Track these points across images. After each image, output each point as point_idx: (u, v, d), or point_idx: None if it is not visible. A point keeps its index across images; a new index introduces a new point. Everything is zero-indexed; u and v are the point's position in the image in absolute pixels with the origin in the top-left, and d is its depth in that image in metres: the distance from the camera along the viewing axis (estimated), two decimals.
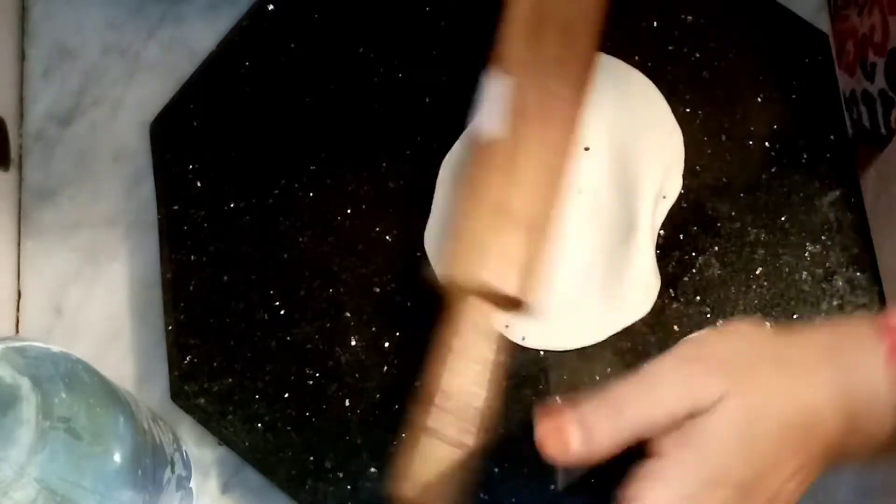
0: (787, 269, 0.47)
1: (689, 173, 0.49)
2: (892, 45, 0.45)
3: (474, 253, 0.43)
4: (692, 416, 0.34)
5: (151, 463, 0.40)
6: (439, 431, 0.40)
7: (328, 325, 0.47)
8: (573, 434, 0.35)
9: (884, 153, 0.46)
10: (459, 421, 0.41)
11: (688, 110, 0.50)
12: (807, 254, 0.47)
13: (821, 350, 0.35)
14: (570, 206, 0.47)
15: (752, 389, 0.34)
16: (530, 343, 0.46)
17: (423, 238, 0.48)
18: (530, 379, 0.46)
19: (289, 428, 0.46)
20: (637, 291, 0.46)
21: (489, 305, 0.43)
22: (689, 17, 0.51)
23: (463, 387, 0.41)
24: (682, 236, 0.48)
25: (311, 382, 0.46)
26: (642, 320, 0.46)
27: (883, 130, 0.46)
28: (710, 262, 0.47)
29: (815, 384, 0.34)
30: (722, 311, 0.47)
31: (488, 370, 0.42)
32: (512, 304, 0.43)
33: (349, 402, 0.46)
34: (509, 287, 0.42)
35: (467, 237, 0.43)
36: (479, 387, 0.41)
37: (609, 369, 0.46)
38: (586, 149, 0.48)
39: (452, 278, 0.43)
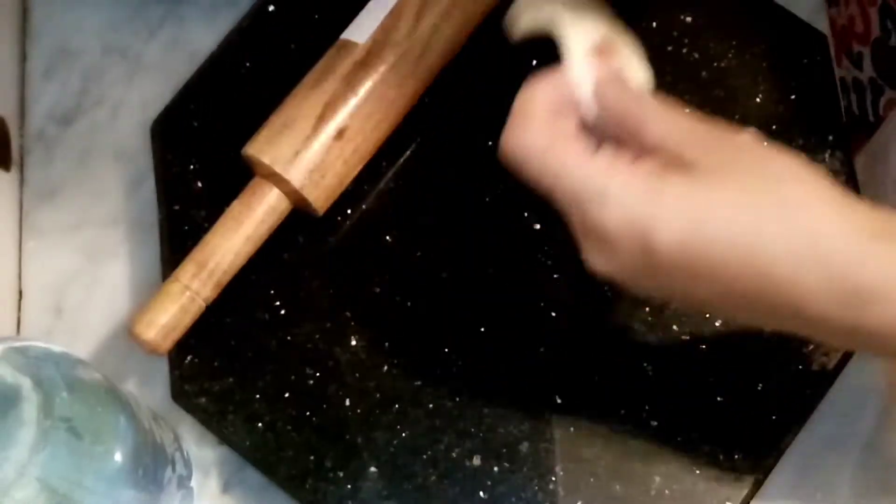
0: None
1: None
2: (875, 34, 0.45)
3: (280, 135, 0.46)
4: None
5: (152, 462, 0.40)
6: (189, 285, 0.44)
7: (328, 325, 0.47)
8: None
9: (872, 139, 0.46)
10: (210, 277, 0.45)
11: (688, 110, 0.49)
12: None
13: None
14: None
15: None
16: None
17: (423, 237, 0.48)
18: (530, 379, 0.46)
19: (289, 427, 0.46)
20: None
21: (280, 191, 0.46)
22: (689, 18, 0.51)
23: (223, 247, 0.45)
24: None
25: (311, 382, 0.46)
26: (642, 320, 0.46)
27: (871, 117, 0.46)
28: None
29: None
30: None
31: (253, 240, 0.46)
32: (299, 200, 0.46)
33: (349, 401, 0.46)
34: (295, 180, 0.45)
35: (286, 121, 0.46)
36: (234, 253, 0.45)
37: (609, 369, 0.46)
38: None
39: (253, 153, 0.46)
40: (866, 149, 0.48)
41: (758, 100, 0.50)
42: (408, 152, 0.50)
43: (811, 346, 0.45)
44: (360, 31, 0.48)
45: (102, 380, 0.39)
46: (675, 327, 0.46)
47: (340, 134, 0.46)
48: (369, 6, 0.49)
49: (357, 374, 0.46)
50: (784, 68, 0.50)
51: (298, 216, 0.48)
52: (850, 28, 0.48)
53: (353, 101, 0.46)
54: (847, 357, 0.45)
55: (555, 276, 0.47)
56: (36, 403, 0.34)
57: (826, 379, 0.45)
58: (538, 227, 0.48)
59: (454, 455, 0.45)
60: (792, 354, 0.45)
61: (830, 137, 0.49)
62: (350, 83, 0.46)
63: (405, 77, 0.47)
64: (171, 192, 0.50)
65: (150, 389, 0.49)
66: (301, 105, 0.46)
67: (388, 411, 0.46)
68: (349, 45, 0.47)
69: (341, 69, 0.47)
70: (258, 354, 0.47)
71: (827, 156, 0.49)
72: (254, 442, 0.46)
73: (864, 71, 0.47)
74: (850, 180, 0.48)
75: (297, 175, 0.45)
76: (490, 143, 0.41)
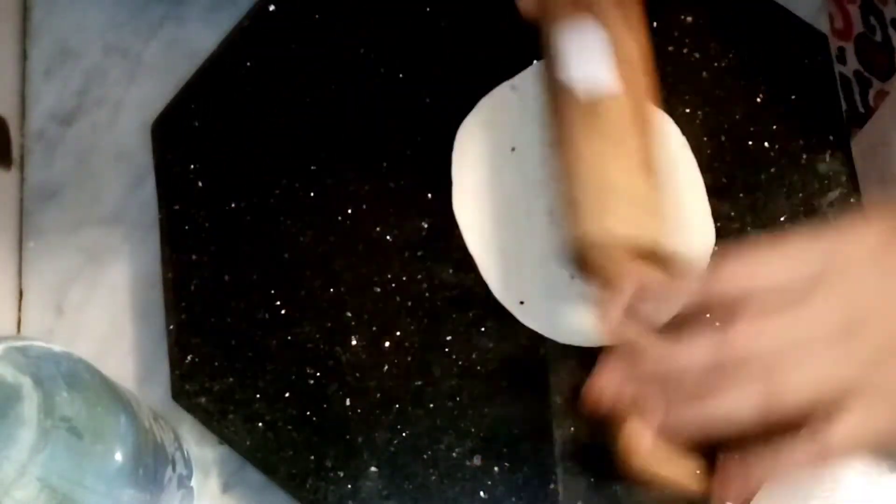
0: None
1: None
2: (858, 30, 0.45)
3: (637, 209, 0.41)
4: None
5: (153, 462, 0.40)
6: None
7: (328, 324, 0.47)
8: None
9: (864, 129, 0.47)
10: None
11: (688, 110, 0.50)
12: None
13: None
14: None
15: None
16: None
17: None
18: (530, 379, 0.46)
19: (289, 427, 0.46)
20: None
21: (643, 262, 0.41)
22: (689, 18, 0.51)
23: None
24: None
25: (311, 382, 0.46)
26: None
27: (861, 109, 0.47)
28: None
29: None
30: None
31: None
32: (661, 261, 0.41)
33: (349, 401, 0.46)
34: (668, 241, 0.41)
35: (620, 195, 0.41)
36: None
37: None
38: None
39: (610, 236, 0.41)
40: (859, 138, 0.48)
41: (758, 100, 0.50)
42: (408, 152, 0.50)
43: None
44: (594, 76, 0.43)
45: (102, 379, 0.39)
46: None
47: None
48: (571, 48, 0.44)
49: (357, 374, 0.46)
50: (784, 68, 0.50)
51: (299, 216, 0.48)
52: (830, 25, 0.48)
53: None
54: None
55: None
56: (36, 403, 0.34)
57: None
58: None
59: (454, 455, 0.45)
60: None
61: (831, 137, 0.49)
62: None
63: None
64: (171, 192, 0.50)
65: (150, 389, 0.49)
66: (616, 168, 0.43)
67: (388, 411, 0.46)
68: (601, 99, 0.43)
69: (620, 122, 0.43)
70: (258, 354, 0.47)
71: (827, 156, 0.49)
72: (254, 442, 0.46)
73: (847, 65, 0.47)
74: (850, 180, 0.48)
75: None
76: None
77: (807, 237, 0.36)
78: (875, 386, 0.34)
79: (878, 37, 0.45)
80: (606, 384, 0.37)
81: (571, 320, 0.46)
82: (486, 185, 0.49)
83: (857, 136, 0.48)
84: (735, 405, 0.34)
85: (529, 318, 0.47)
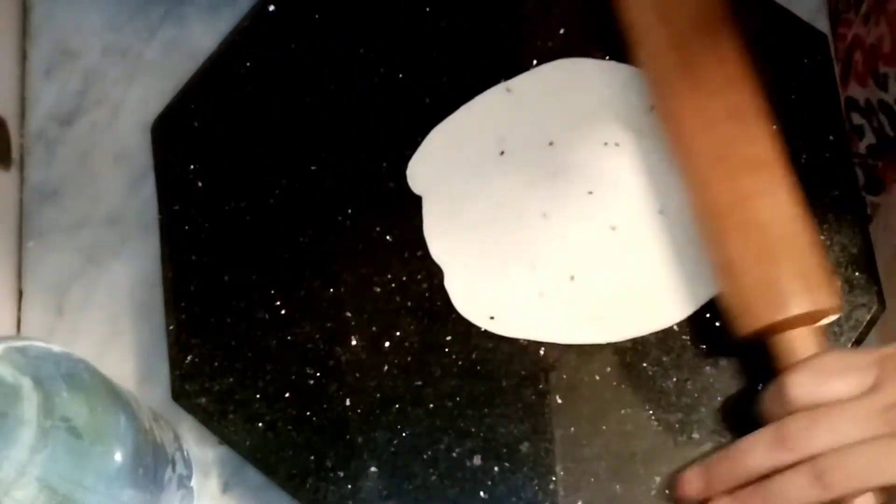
0: None
1: None
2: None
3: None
4: None
5: (152, 462, 0.40)
6: None
7: (328, 325, 0.47)
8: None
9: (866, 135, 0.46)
10: None
11: None
12: None
13: None
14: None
15: None
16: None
17: (424, 238, 0.48)
18: (530, 379, 0.46)
19: (289, 427, 0.46)
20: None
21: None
22: None
23: None
24: None
25: (311, 382, 0.46)
26: None
27: None
28: None
29: None
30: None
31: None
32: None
33: (349, 401, 0.46)
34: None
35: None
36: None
37: (609, 369, 0.46)
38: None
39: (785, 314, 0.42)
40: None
41: None
42: (408, 152, 0.50)
43: None
44: None
45: (102, 380, 0.39)
46: (675, 328, 0.46)
47: None
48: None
49: (357, 374, 0.46)
50: (785, 68, 0.50)
51: (298, 216, 0.49)
52: (878, 48, 0.47)
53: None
54: None
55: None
56: (36, 403, 0.34)
57: None
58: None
59: (454, 455, 0.45)
60: None
61: (830, 137, 0.49)
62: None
63: None
64: (171, 192, 0.50)
65: (150, 389, 0.49)
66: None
67: (388, 411, 0.46)
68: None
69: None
70: (258, 354, 0.47)
71: (827, 156, 0.49)
72: (254, 442, 0.46)
73: (889, 92, 0.46)
74: (850, 179, 0.48)
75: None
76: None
77: (864, 353, 0.41)
78: None
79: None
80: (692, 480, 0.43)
81: (574, 319, 0.46)
82: (465, 192, 0.48)
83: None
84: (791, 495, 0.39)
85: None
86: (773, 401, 0.42)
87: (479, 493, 0.44)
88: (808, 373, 0.41)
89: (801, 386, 0.40)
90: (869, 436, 0.38)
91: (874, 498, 0.39)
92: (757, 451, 0.40)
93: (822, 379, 0.40)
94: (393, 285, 0.48)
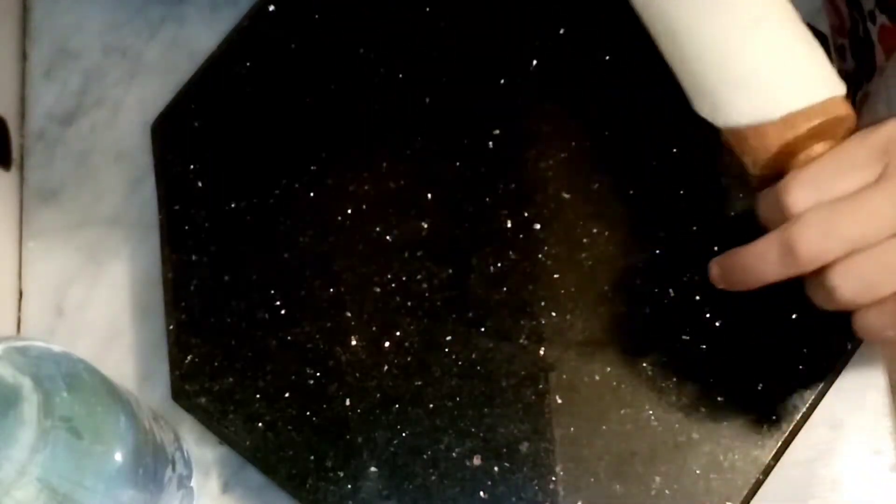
0: None
1: None
2: (848, 26, 0.44)
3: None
4: None
5: (152, 462, 0.40)
6: None
7: (328, 325, 0.47)
8: None
9: None
10: None
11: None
12: None
13: None
14: None
15: None
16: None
17: (422, 237, 0.48)
18: (530, 379, 0.46)
19: (289, 427, 0.46)
20: None
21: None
22: None
23: None
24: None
25: (311, 382, 0.46)
26: (642, 320, 0.46)
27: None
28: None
29: None
30: (723, 308, 0.47)
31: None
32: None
33: (349, 401, 0.46)
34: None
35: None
36: None
37: (609, 369, 0.46)
38: None
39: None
40: None
41: None
42: (408, 152, 0.50)
43: (811, 347, 0.45)
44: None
45: (102, 380, 0.39)
46: (675, 327, 0.46)
47: None
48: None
49: (357, 374, 0.46)
50: None
51: (298, 216, 0.49)
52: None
53: None
54: (847, 358, 0.45)
55: (555, 276, 0.47)
56: (36, 403, 0.34)
57: (826, 379, 0.45)
58: (538, 226, 0.48)
59: (454, 455, 0.45)
60: (792, 355, 0.45)
61: None
62: None
63: None
64: (171, 192, 0.50)
65: (150, 389, 0.49)
66: None
67: (388, 411, 0.46)
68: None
69: None
70: (258, 354, 0.47)
71: None
72: (254, 442, 0.46)
73: (847, 62, 0.46)
74: None
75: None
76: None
77: (860, 140, 0.36)
78: None
79: (861, 31, 0.44)
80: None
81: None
82: None
83: None
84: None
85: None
86: (772, 209, 0.38)
87: (479, 493, 0.44)
88: (806, 174, 0.37)
89: (799, 189, 0.37)
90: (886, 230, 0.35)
91: None
92: (767, 262, 0.37)
93: (822, 180, 0.36)
94: (393, 285, 0.48)
